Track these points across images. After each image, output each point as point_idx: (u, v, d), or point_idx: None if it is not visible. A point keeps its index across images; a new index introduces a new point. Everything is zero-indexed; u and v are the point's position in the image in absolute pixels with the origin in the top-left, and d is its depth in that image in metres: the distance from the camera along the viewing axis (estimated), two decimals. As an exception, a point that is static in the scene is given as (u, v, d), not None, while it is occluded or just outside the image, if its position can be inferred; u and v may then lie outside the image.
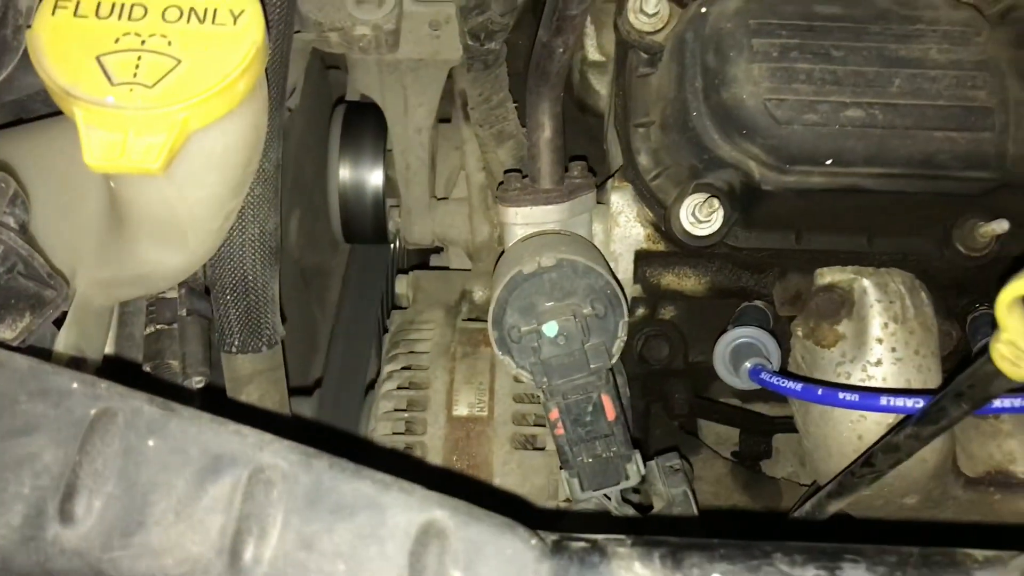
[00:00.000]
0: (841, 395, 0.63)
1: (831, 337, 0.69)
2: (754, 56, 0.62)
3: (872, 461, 0.59)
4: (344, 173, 0.91)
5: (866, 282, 0.68)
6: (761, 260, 0.71)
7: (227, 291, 0.64)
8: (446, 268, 0.96)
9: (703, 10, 0.66)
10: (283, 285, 0.71)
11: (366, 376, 0.96)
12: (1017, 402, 0.56)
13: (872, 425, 0.68)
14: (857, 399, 0.62)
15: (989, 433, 0.77)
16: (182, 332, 0.63)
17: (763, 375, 0.68)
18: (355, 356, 1.01)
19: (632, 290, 0.75)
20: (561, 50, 0.64)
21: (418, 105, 0.85)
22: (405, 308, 0.85)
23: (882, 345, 0.67)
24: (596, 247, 0.70)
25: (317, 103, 0.95)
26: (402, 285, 0.86)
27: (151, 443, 0.39)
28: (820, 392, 0.64)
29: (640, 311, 0.79)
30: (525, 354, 0.60)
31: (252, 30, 0.51)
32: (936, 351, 0.69)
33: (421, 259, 1.01)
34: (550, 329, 0.58)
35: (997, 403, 0.56)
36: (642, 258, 0.73)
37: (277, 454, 0.39)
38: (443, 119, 0.91)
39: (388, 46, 0.78)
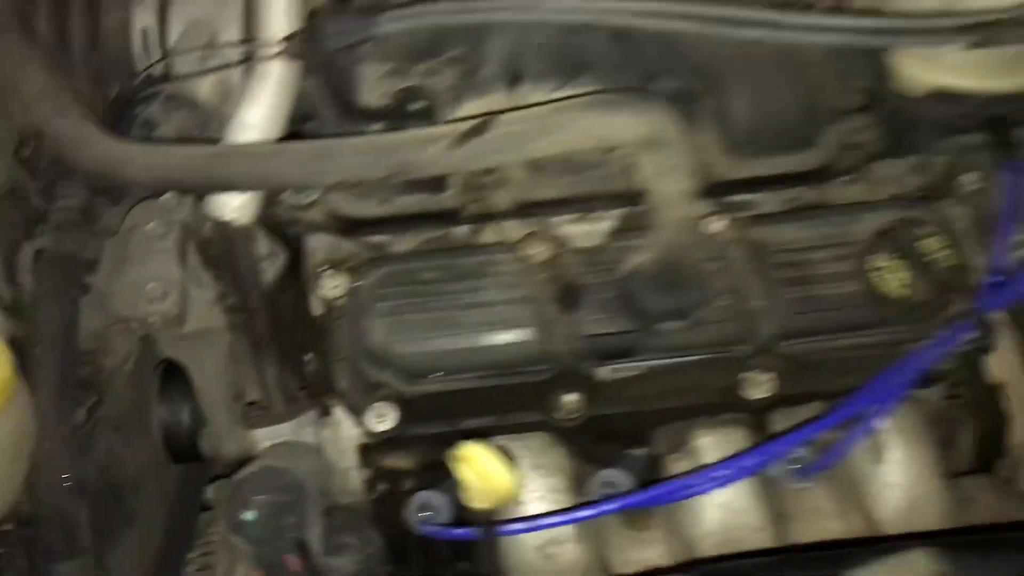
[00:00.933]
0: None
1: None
2: (379, 313, 0.96)
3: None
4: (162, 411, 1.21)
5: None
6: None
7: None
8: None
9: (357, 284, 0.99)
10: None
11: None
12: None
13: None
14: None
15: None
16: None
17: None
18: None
19: (363, 474, 1.05)
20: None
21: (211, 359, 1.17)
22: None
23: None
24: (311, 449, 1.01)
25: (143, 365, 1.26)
26: (209, 491, 1.16)
27: None
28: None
29: (381, 486, 1.08)
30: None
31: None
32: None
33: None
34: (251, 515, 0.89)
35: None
36: (363, 450, 1.04)
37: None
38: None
39: (177, 324, 1.11)
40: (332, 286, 0.98)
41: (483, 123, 0.81)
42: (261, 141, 0.90)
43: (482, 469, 0.85)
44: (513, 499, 0.93)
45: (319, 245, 1.00)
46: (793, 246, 0.97)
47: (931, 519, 0.96)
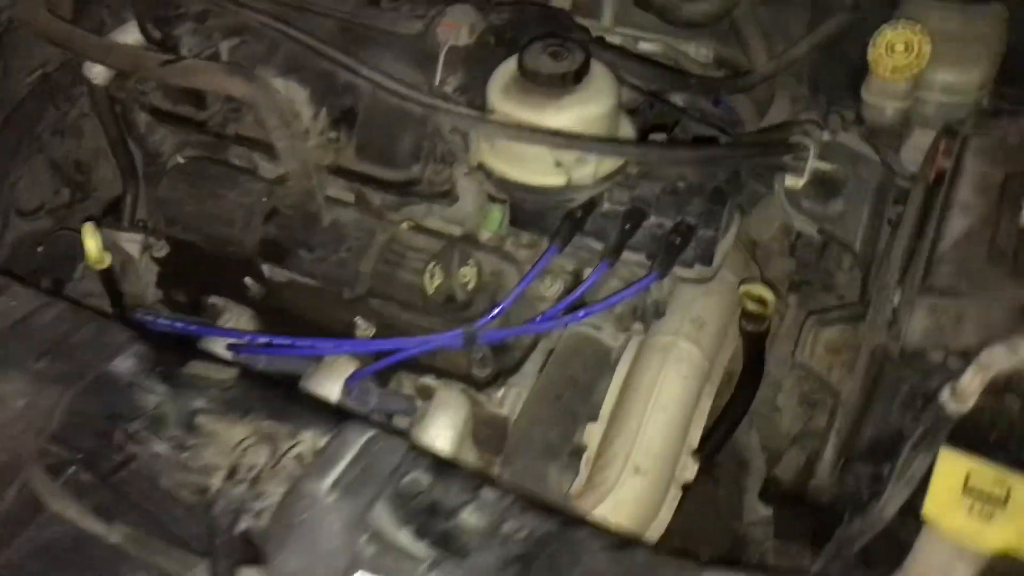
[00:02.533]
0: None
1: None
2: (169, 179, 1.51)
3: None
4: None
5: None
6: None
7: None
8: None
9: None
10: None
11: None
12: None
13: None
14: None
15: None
16: None
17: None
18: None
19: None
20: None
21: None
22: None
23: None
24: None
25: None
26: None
27: None
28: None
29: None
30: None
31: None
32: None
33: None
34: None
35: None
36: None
37: None
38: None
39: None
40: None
41: (173, 61, 1.29)
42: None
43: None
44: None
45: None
46: (397, 239, 1.34)
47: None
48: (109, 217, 1.66)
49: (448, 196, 1.31)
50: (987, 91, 1.33)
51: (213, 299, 1.52)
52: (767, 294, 1.26)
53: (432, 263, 1.28)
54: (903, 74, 1.25)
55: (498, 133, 1.15)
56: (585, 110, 1.16)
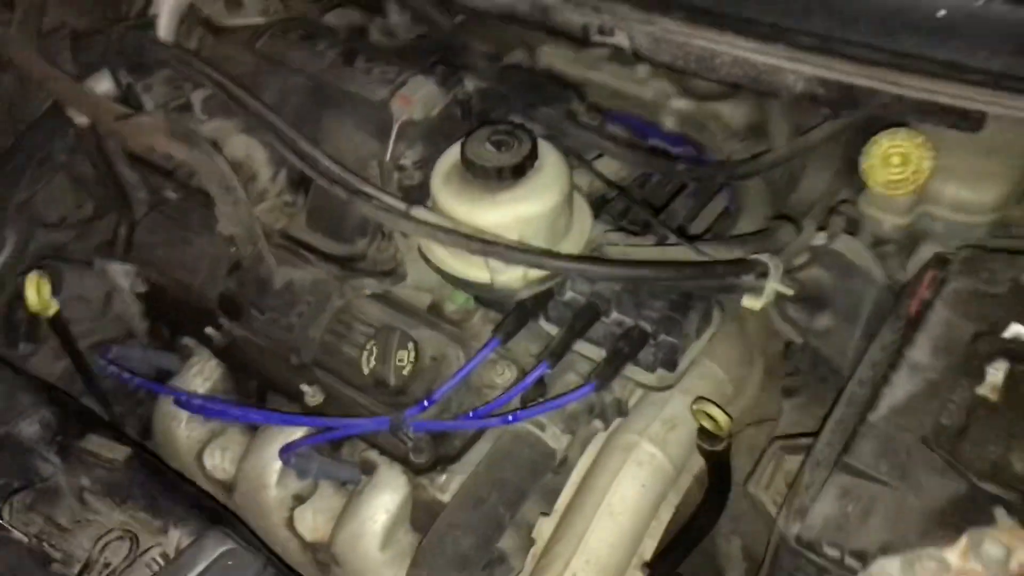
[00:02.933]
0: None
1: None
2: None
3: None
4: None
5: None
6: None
7: None
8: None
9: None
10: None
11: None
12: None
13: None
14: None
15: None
16: None
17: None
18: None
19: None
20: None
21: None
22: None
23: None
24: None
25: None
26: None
27: None
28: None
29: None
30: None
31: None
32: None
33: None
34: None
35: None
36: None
37: None
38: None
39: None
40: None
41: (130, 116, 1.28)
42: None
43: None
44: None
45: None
46: (349, 309, 1.29)
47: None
48: (105, 245, 1.67)
49: (392, 274, 1.25)
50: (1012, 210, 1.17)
51: (186, 340, 1.51)
52: (720, 415, 1.15)
53: (371, 342, 1.23)
54: (900, 189, 1.12)
55: (412, 230, 1.08)
56: (521, 209, 1.08)
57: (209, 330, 1.42)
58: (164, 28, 1.39)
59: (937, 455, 0.82)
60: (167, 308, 1.50)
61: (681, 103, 1.50)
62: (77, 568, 0.95)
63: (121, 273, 1.59)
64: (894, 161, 1.10)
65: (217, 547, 0.92)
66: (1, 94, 1.70)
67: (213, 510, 1.05)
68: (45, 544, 0.96)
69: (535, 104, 1.27)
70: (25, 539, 0.96)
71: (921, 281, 1.05)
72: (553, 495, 1.27)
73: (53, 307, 1.32)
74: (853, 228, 1.26)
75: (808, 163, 1.40)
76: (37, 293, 1.28)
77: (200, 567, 0.91)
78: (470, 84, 1.25)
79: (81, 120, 1.43)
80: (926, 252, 1.19)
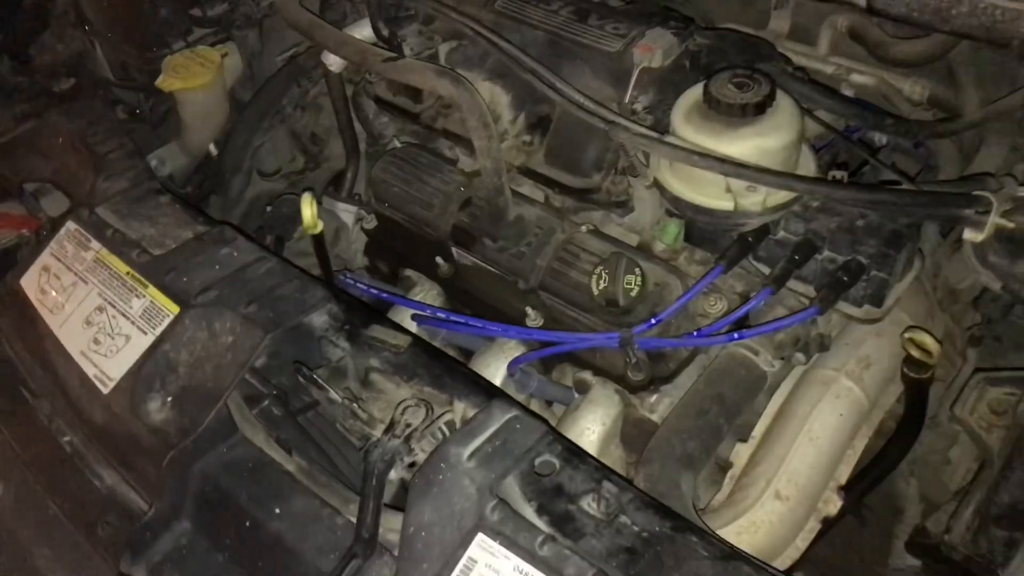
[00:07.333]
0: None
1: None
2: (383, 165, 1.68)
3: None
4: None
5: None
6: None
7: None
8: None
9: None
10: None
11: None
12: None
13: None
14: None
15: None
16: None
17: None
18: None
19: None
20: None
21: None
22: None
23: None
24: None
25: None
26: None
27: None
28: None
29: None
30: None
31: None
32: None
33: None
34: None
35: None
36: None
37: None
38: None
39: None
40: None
41: (395, 58, 1.43)
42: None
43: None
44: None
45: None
46: (573, 240, 1.43)
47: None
48: (331, 187, 1.86)
49: (623, 206, 1.38)
50: None
51: (408, 272, 1.67)
52: (931, 342, 1.25)
53: (600, 267, 1.37)
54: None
55: (669, 154, 1.22)
56: (761, 141, 1.20)
57: (438, 259, 1.58)
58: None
59: None
60: (396, 242, 1.66)
61: (861, 78, 1.60)
62: (380, 429, 1.11)
63: (346, 212, 1.77)
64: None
65: (504, 414, 1.06)
66: (245, 50, 1.91)
67: (490, 387, 1.20)
68: (355, 405, 1.12)
69: (752, 61, 1.40)
70: (339, 398, 1.12)
71: None
72: (743, 427, 1.38)
73: (320, 226, 1.49)
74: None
75: (985, 136, 1.49)
76: (310, 211, 1.45)
77: (492, 428, 1.04)
78: (700, 37, 1.38)
79: (334, 65, 1.61)
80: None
